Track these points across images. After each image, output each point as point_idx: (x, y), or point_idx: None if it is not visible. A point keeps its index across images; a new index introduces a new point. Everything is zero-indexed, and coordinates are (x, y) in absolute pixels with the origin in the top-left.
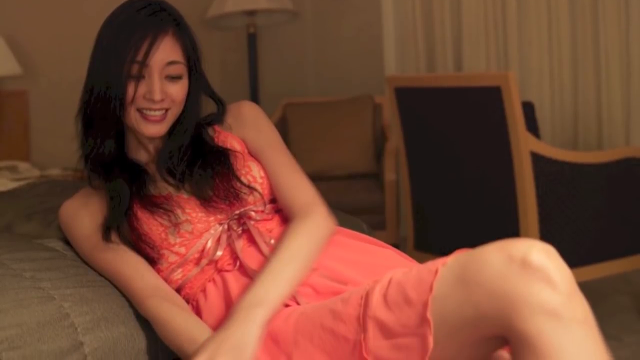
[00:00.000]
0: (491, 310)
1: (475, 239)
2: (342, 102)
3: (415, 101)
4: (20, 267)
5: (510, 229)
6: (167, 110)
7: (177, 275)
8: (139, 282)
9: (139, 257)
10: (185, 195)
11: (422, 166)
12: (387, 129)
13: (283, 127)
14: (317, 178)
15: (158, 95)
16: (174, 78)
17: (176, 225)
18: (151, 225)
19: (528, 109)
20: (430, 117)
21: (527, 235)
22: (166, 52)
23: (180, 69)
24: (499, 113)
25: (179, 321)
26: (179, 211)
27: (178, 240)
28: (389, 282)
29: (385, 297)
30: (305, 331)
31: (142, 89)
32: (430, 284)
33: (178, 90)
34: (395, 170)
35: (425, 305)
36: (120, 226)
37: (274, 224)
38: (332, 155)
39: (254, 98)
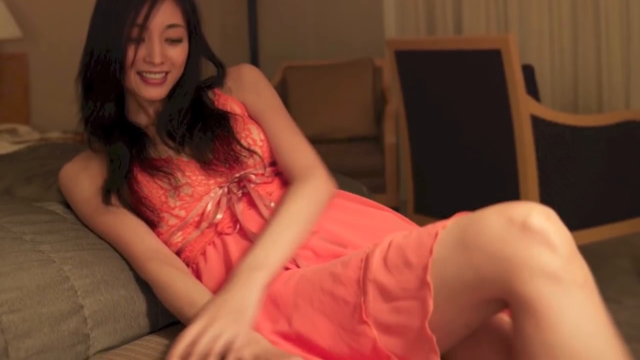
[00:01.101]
0: (491, 273)
1: (475, 202)
2: (342, 65)
3: (415, 64)
4: (20, 230)
5: (510, 192)
6: (167, 73)
7: (177, 238)
8: (139, 245)
9: (139, 220)
10: (185, 159)
11: (422, 129)
12: (387, 92)
13: (283, 90)
14: (317, 141)
15: (158, 58)
16: (174, 41)
17: (176, 188)
18: (151, 188)
19: (528, 72)
20: (430, 80)
21: (527, 198)
22: (166, 15)
23: (180, 32)
24: (498, 76)
25: (179, 284)
26: (178, 174)
27: (178, 203)
28: (389, 245)
29: (385, 260)
30: (305, 294)
31: (142, 52)
32: (430, 247)
33: (178, 54)
34: (395, 133)
35: (425, 268)
36: (120, 189)
37: (274, 187)
38: (332, 118)
39: (254, 61)
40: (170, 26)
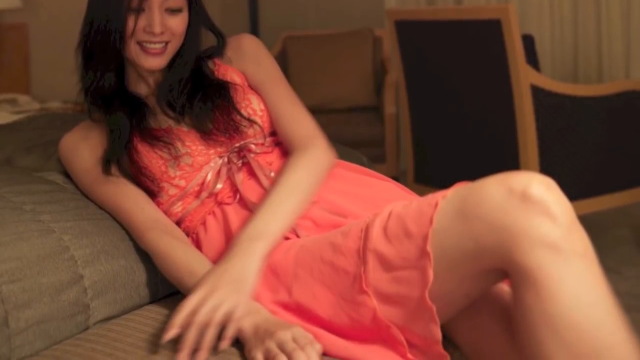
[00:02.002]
0: (491, 243)
1: (475, 172)
2: (342, 35)
3: (415, 34)
4: (20, 200)
5: (510, 162)
6: (167, 43)
7: (177, 208)
8: (139, 215)
9: (139, 190)
10: (185, 128)
11: (422, 99)
12: (387, 62)
13: (283, 60)
14: (317, 111)
15: (158, 28)
16: (174, 11)
17: (176, 158)
18: (151, 158)
19: (528, 41)
20: (430, 50)
21: (527, 168)
22: None
23: (180, 1)
24: (498, 46)
25: (179, 254)
26: (179, 144)
27: (178, 173)
28: (389, 215)
29: (385, 230)
30: (305, 264)
31: (142, 22)
32: (430, 217)
33: (178, 23)
34: (395, 103)
35: (425, 238)
36: (120, 159)
37: (273, 157)
38: (332, 88)
39: (254, 31)
40: None
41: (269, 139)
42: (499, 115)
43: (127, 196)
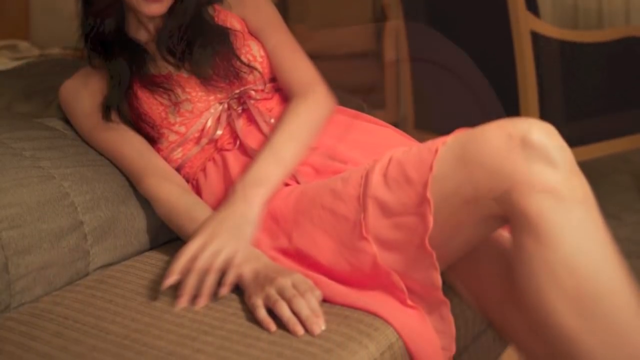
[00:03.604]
0: (491, 189)
1: (475, 118)
2: None
3: None
4: (20, 146)
5: (510, 109)
6: None
7: (177, 154)
8: (139, 161)
9: (139, 137)
10: (185, 75)
11: (422, 45)
12: (386, 8)
13: (282, 7)
14: (315, 57)
15: None
16: None
17: (176, 104)
18: (151, 104)
19: None
20: None
21: (527, 114)
22: None
23: None
24: None
25: (179, 200)
26: (178, 90)
27: (178, 119)
28: (389, 161)
29: (385, 176)
30: (305, 210)
31: None
32: (430, 164)
33: None
34: (395, 49)
35: (425, 184)
36: (121, 105)
37: (273, 103)
38: (331, 35)
39: None
40: None
41: (269, 85)
42: (499, 61)
43: (127, 142)
